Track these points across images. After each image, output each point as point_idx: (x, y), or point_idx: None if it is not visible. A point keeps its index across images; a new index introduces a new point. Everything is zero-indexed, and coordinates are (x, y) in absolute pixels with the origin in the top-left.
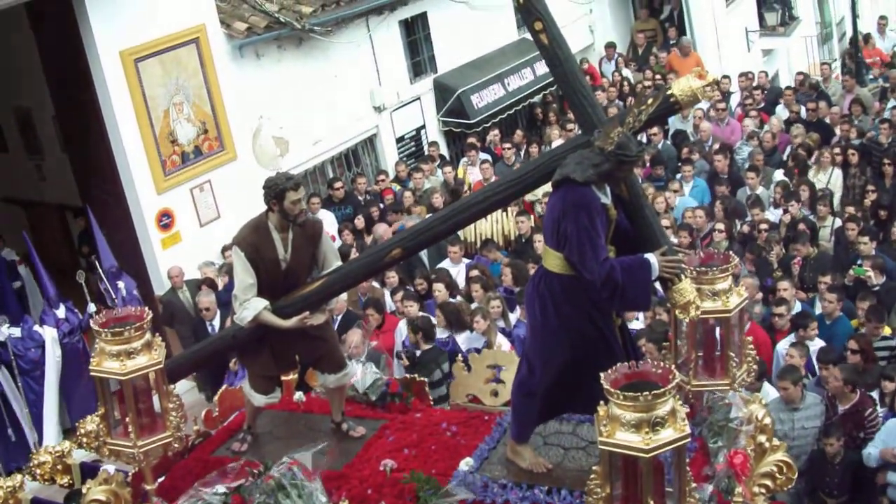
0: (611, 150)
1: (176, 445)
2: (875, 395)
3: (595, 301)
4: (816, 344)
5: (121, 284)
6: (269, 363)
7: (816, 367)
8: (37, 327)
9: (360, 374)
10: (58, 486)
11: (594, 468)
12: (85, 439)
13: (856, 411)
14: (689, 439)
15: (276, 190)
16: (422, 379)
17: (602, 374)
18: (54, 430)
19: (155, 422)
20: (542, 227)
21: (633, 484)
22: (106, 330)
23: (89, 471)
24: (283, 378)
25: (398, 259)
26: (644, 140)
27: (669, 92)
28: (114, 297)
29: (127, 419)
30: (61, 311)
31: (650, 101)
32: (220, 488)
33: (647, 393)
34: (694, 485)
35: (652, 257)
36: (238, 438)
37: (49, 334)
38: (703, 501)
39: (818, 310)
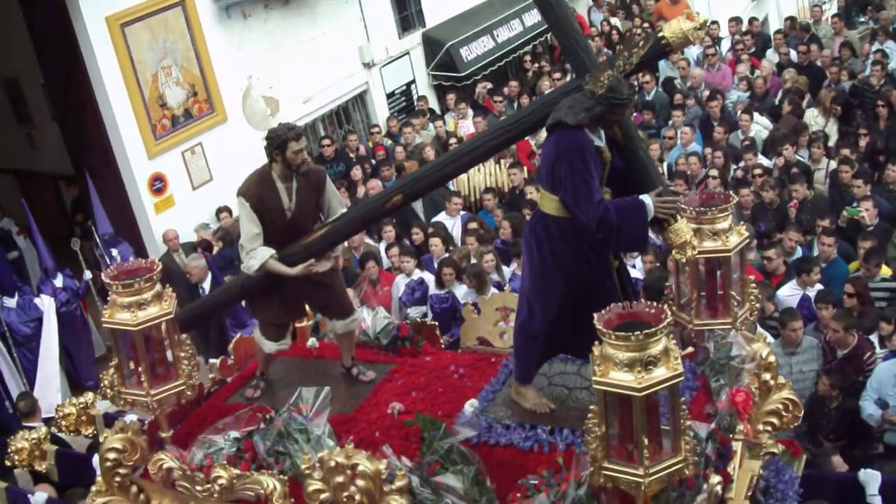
0: (602, 93)
1: (188, 393)
2: (874, 338)
3: (591, 243)
4: (815, 287)
5: (115, 252)
6: (277, 311)
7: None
8: (36, 300)
9: (371, 319)
10: (83, 437)
11: (591, 407)
12: (109, 391)
13: (854, 355)
14: (681, 378)
15: (278, 141)
16: (433, 322)
17: (596, 315)
18: (52, 399)
19: (168, 371)
20: (535, 178)
21: (629, 422)
22: (117, 282)
23: (112, 421)
24: (298, 325)
25: (399, 205)
26: (636, 87)
27: (661, 34)
28: (109, 263)
29: (139, 369)
30: (59, 280)
31: (641, 43)
32: (232, 434)
33: (638, 332)
34: (689, 423)
35: (647, 198)
36: (251, 385)
37: (47, 303)
38: (699, 439)
39: (815, 252)
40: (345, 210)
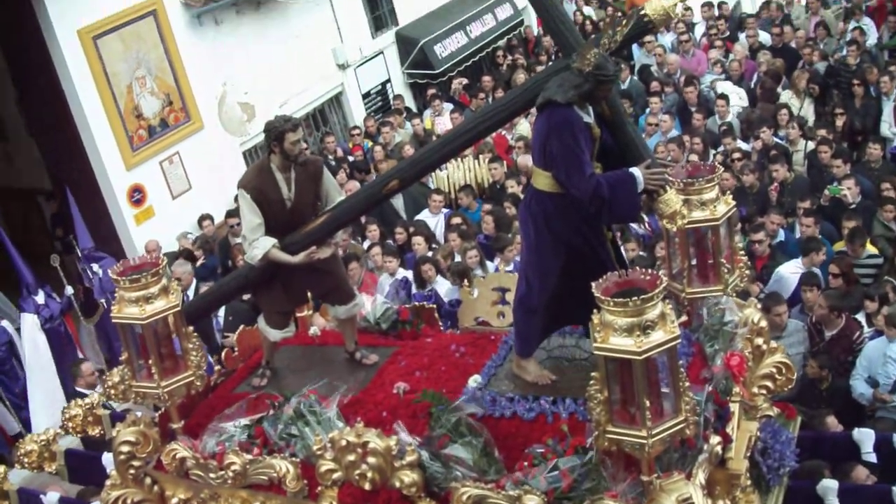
0: (589, 70)
1: (198, 384)
2: (860, 316)
3: (585, 216)
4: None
5: (97, 267)
6: (281, 299)
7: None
8: (3, 322)
9: (371, 305)
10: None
11: (593, 374)
12: (112, 391)
13: (843, 336)
14: (679, 340)
15: (275, 132)
16: (431, 305)
17: (594, 284)
18: (48, 413)
19: (177, 363)
20: (514, 172)
21: (630, 386)
22: (124, 278)
23: (119, 420)
24: (298, 315)
25: (396, 190)
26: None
27: (643, 12)
28: (90, 278)
29: (150, 362)
30: (40, 297)
31: (624, 21)
32: (243, 421)
33: (636, 298)
34: (688, 384)
35: (637, 171)
36: (258, 374)
37: (30, 321)
38: (699, 401)
39: (797, 234)
40: (342, 198)
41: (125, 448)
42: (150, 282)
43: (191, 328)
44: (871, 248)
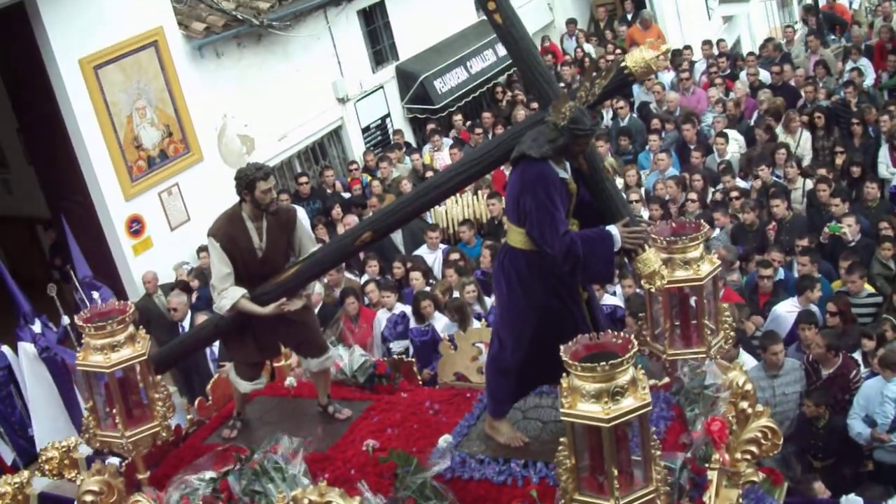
0: (564, 124)
1: (163, 434)
2: (857, 355)
3: (559, 275)
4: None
5: (95, 295)
6: (252, 350)
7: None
8: (3, 348)
9: (348, 358)
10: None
11: (562, 440)
12: (85, 434)
13: (839, 374)
14: (650, 408)
15: (246, 180)
16: (410, 359)
17: (563, 347)
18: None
19: (143, 412)
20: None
21: (598, 454)
22: (89, 325)
23: None
24: (276, 364)
25: (369, 242)
26: (611, 114)
27: (623, 64)
28: (89, 307)
29: (114, 411)
30: (37, 326)
31: (603, 73)
32: (208, 474)
33: (604, 363)
34: (660, 453)
35: (614, 229)
36: (228, 425)
37: (29, 350)
38: (672, 469)
39: (796, 273)
40: (316, 248)
41: (89, 497)
42: (116, 329)
43: (158, 377)
44: (868, 288)
